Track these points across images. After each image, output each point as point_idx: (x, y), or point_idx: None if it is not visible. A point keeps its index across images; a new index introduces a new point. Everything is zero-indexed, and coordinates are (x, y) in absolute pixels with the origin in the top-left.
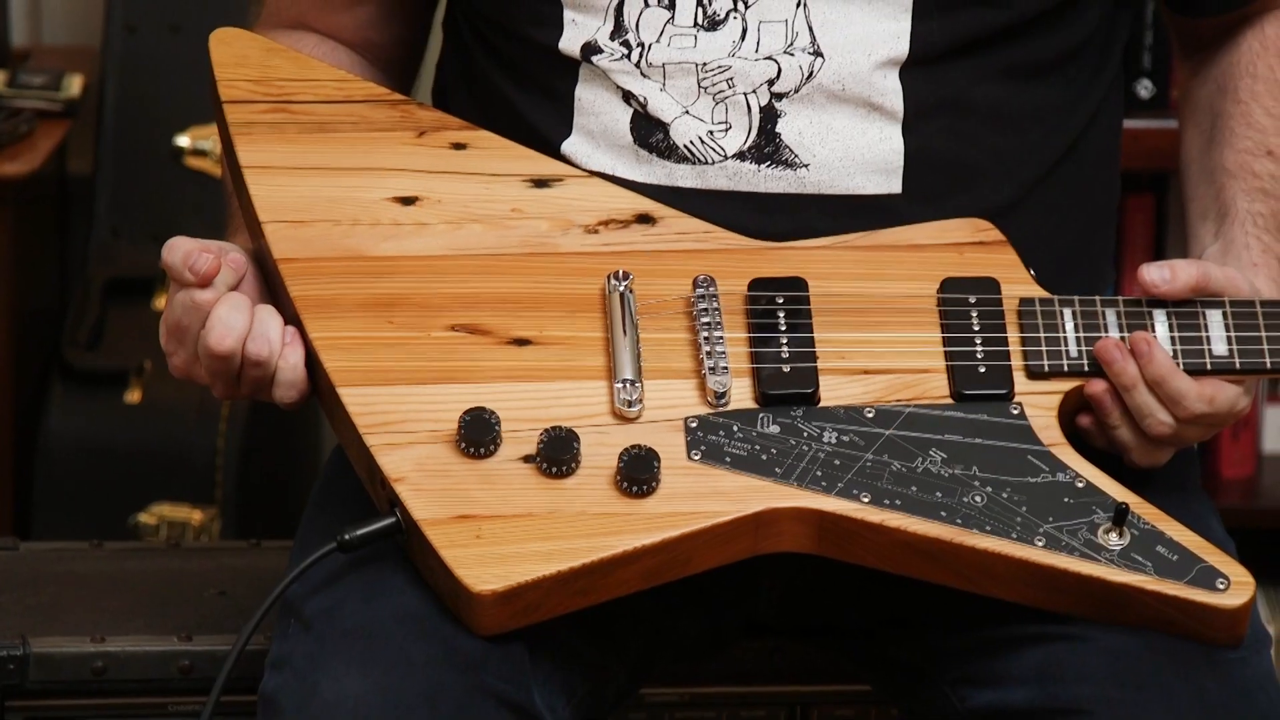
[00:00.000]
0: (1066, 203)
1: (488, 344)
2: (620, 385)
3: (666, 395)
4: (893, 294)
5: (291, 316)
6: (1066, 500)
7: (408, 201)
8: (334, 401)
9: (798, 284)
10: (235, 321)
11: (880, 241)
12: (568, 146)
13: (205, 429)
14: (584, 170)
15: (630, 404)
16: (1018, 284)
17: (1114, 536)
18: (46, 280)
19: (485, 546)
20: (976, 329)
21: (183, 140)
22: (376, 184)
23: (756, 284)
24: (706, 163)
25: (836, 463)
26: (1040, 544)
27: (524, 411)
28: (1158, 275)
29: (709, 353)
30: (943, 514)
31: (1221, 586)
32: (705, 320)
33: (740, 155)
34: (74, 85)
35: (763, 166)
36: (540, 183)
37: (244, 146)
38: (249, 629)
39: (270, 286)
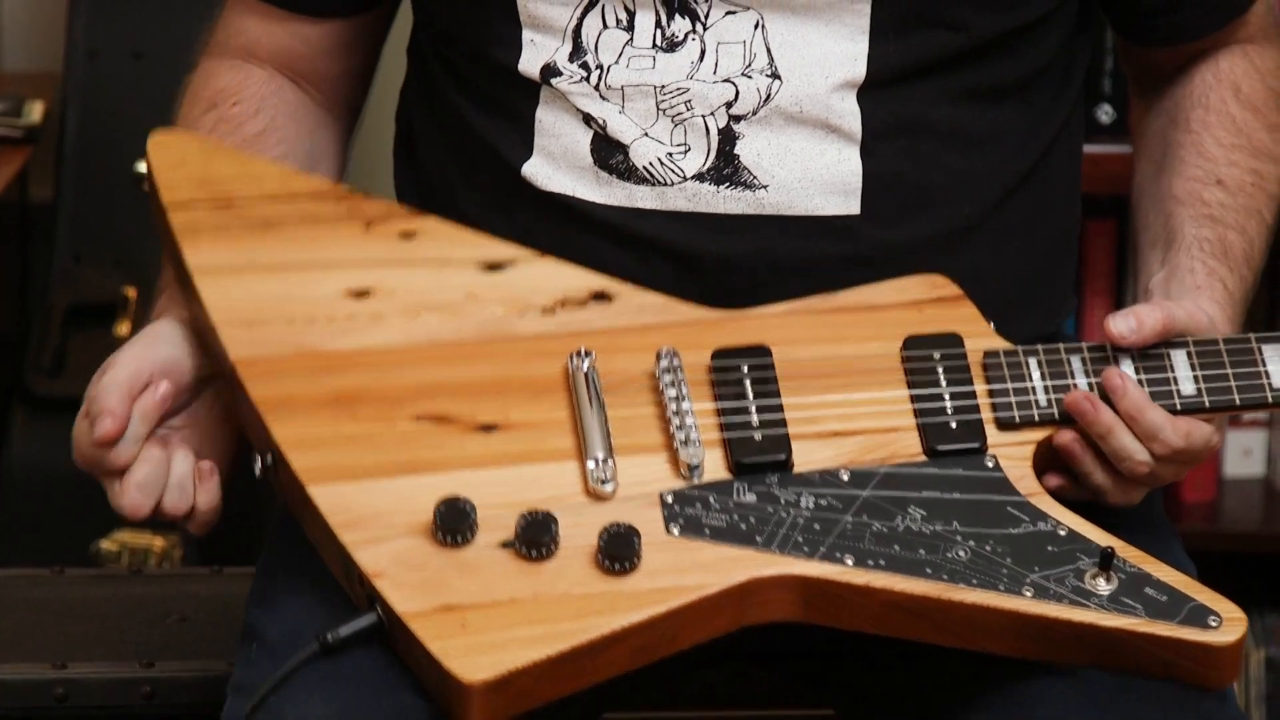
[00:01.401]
0: (1027, 226)
1: (454, 432)
2: (592, 464)
3: (639, 471)
4: (857, 355)
5: (253, 417)
6: (1050, 549)
7: (361, 295)
8: (303, 501)
9: (761, 351)
10: (153, 486)
11: (839, 304)
12: (528, 168)
13: None
14: (544, 189)
15: (604, 482)
16: (980, 337)
17: (1102, 581)
18: (7, 306)
19: (472, 635)
20: (943, 384)
21: (144, 167)
22: (328, 279)
23: (720, 354)
24: (666, 184)
25: (816, 527)
26: (1029, 594)
27: (498, 497)
28: (1124, 326)
29: (679, 425)
30: (928, 571)
31: (1214, 624)
32: (672, 393)
33: (699, 177)
34: (35, 111)
35: (722, 188)
36: (493, 266)
37: (191, 250)
38: None
39: (223, 382)
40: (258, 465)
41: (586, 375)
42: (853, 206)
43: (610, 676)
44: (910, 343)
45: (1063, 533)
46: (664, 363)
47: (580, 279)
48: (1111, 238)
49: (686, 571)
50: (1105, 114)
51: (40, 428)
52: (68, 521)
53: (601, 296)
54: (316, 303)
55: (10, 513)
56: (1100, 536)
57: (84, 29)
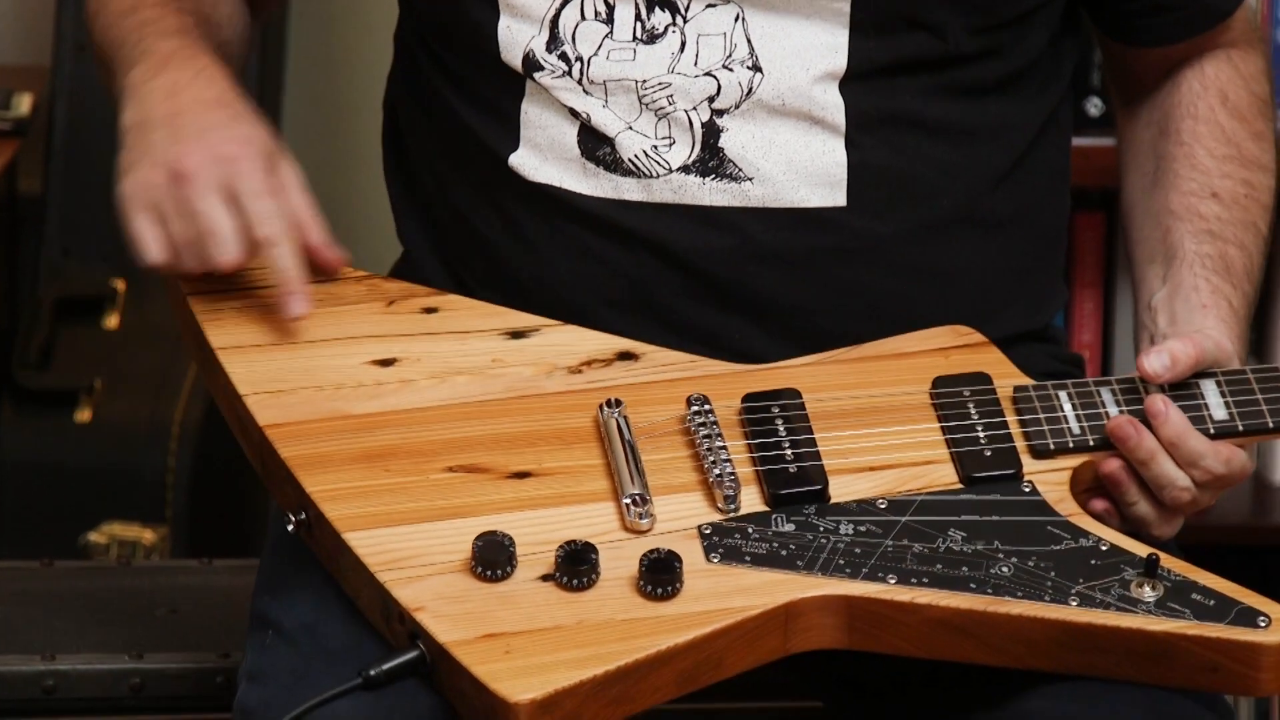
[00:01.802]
0: (1014, 218)
1: (488, 479)
2: (629, 500)
3: (676, 508)
4: (886, 395)
5: (284, 477)
6: (1094, 562)
7: (387, 363)
8: (339, 549)
9: (792, 393)
10: None
11: (865, 354)
12: (515, 159)
13: (156, 448)
14: (531, 180)
15: (641, 516)
16: (1008, 378)
17: (1147, 589)
18: None
19: (517, 659)
20: (975, 417)
21: None
22: (353, 351)
23: (750, 397)
24: (652, 176)
25: (857, 551)
26: (1075, 603)
27: (535, 535)
28: (1159, 364)
29: (713, 462)
30: (972, 586)
31: (1263, 624)
32: (704, 434)
33: (685, 169)
34: (23, 104)
35: (707, 180)
36: (516, 334)
37: (213, 331)
38: None
39: (251, 451)
40: (290, 524)
41: (618, 421)
42: (839, 198)
43: (655, 704)
44: (939, 381)
45: (1104, 547)
46: (695, 408)
47: (605, 341)
48: (1100, 230)
49: (729, 595)
50: (1094, 107)
51: (28, 421)
52: (56, 514)
53: (627, 356)
54: (343, 372)
55: None
56: (1142, 549)
57: (72, 22)
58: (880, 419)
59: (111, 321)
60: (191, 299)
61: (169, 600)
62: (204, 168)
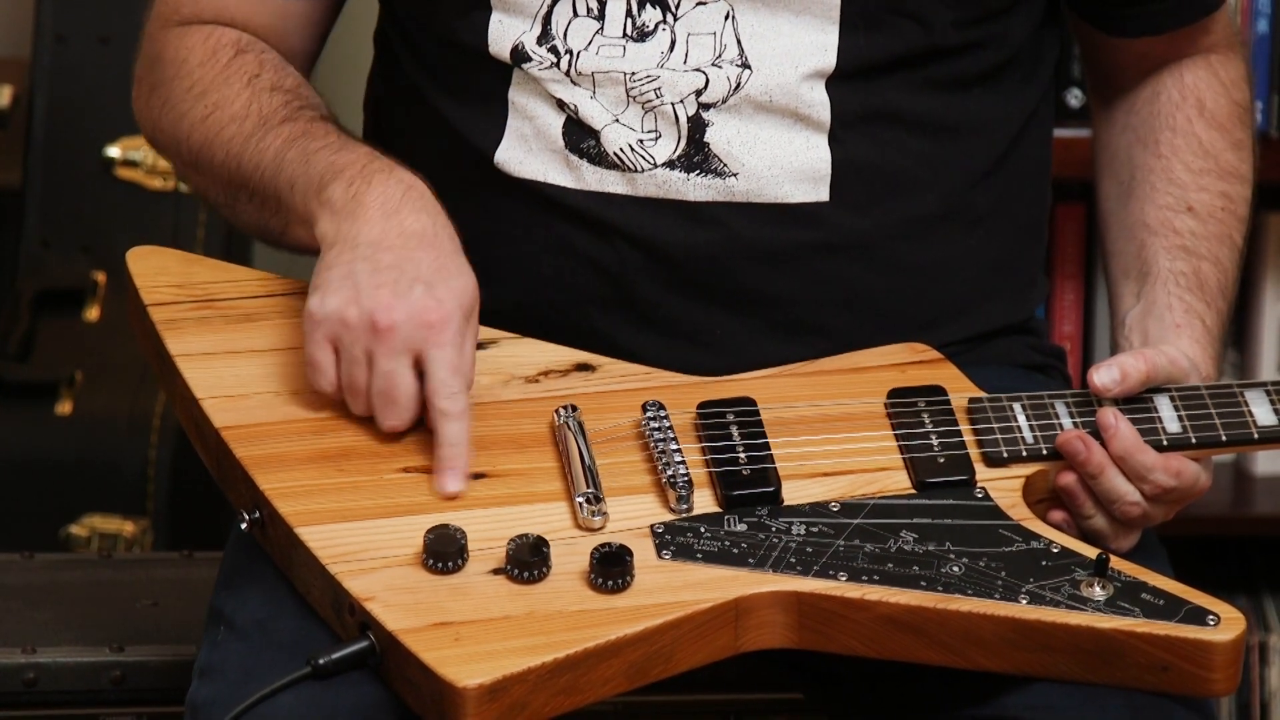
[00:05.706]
0: (996, 213)
1: None
2: (582, 499)
3: (629, 509)
4: (841, 405)
5: (239, 476)
6: (1044, 563)
7: None
8: (292, 545)
9: (747, 401)
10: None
11: (822, 368)
12: (501, 154)
13: (136, 441)
14: (515, 176)
15: (594, 515)
16: (963, 391)
17: (1097, 588)
18: None
19: (466, 647)
20: (929, 426)
21: (113, 151)
22: None
23: (705, 405)
24: (636, 170)
25: (809, 549)
26: (1024, 601)
27: (488, 532)
28: (1108, 379)
29: (666, 464)
30: (923, 584)
31: (1212, 623)
32: (658, 437)
33: (670, 164)
34: (3, 96)
35: (692, 175)
36: (476, 346)
37: (172, 339)
38: None
39: (208, 456)
40: (244, 523)
41: (572, 425)
42: (822, 194)
43: (606, 696)
44: (894, 393)
45: (1055, 549)
46: (649, 413)
47: (563, 354)
48: (1081, 222)
49: (680, 589)
50: (1075, 98)
51: (8, 413)
52: (37, 507)
53: (584, 367)
54: (300, 379)
55: None
56: (1092, 552)
57: (51, 14)
58: (835, 427)
59: (92, 314)
60: (151, 308)
61: (150, 593)
62: (403, 329)
